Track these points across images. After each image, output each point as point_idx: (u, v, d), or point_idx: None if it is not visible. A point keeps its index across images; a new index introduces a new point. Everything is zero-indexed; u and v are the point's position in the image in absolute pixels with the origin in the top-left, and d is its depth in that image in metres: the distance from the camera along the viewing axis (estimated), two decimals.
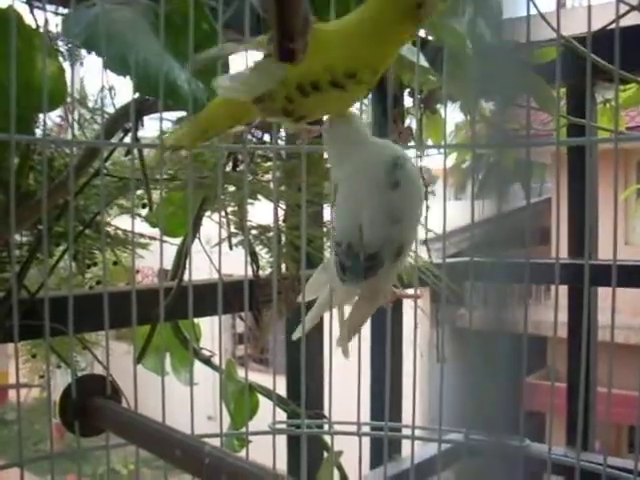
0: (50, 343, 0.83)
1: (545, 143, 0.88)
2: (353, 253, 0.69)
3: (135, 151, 0.91)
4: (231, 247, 1.06)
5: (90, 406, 0.76)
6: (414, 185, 0.69)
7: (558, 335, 0.82)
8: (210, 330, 1.29)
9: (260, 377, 1.21)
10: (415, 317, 0.91)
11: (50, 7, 0.89)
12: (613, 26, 0.85)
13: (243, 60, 0.81)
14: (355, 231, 0.69)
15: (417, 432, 0.88)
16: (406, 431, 0.90)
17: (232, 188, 1.06)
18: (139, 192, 1.02)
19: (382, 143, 0.71)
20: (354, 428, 0.86)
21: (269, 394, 1.10)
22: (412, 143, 1.10)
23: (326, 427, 0.91)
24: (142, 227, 1.08)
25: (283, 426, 0.92)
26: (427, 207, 1.21)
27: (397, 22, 0.61)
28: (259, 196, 1.07)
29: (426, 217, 1.17)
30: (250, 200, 1.05)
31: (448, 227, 0.85)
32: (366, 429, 0.90)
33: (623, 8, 0.99)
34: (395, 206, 0.68)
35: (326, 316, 0.84)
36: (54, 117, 1.09)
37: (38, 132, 0.83)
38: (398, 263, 0.71)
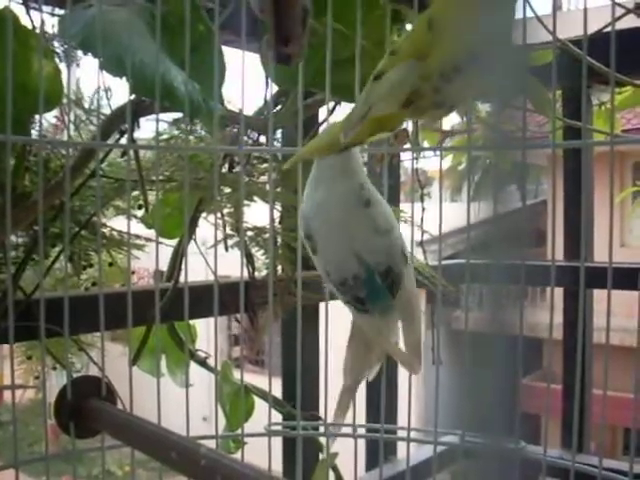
0: (45, 344, 0.83)
1: (541, 146, 0.88)
2: (361, 282, 0.70)
3: (131, 152, 0.90)
4: (227, 249, 1.06)
5: (85, 407, 0.76)
6: (380, 199, 0.73)
7: (555, 337, 0.82)
8: (206, 331, 1.29)
9: (256, 378, 1.21)
10: None
11: (46, 8, 0.89)
12: (609, 29, 0.86)
13: (240, 61, 0.82)
14: (353, 261, 0.69)
15: (413, 434, 0.88)
16: (402, 433, 0.90)
17: (228, 190, 1.06)
18: (135, 193, 1.01)
19: (350, 172, 0.72)
20: (350, 430, 0.86)
21: (265, 396, 1.10)
22: (408, 145, 1.10)
23: (322, 429, 0.91)
24: (138, 228, 1.08)
25: (279, 428, 0.92)
26: (423, 209, 1.21)
27: None
28: (255, 197, 1.07)
29: (422, 219, 1.17)
30: (246, 202, 1.05)
31: (444, 229, 0.85)
32: (362, 431, 0.89)
33: (619, 11, 0.99)
34: (376, 220, 0.71)
35: (321, 316, 0.84)
36: (50, 118, 1.09)
37: (34, 133, 0.82)
38: (409, 267, 0.72)
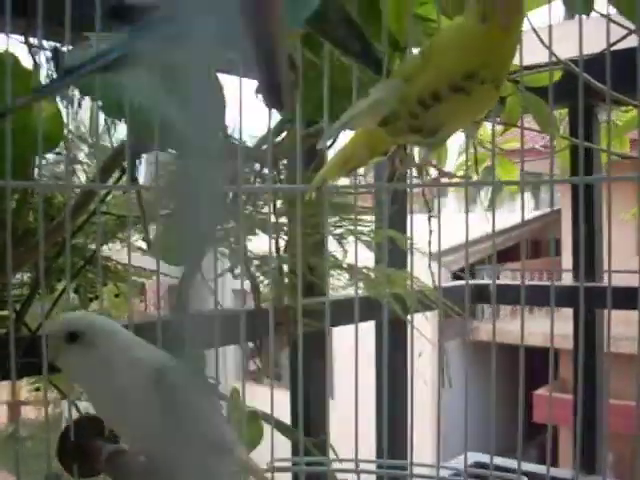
0: (50, 379, 0.83)
1: (540, 182, 0.88)
2: None
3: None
4: (234, 276, 1.06)
5: (88, 448, 0.75)
6: None
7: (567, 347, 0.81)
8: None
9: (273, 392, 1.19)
10: (411, 343, 0.90)
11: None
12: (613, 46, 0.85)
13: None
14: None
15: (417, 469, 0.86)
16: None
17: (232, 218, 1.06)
18: (140, 225, 1.02)
19: None
20: (352, 465, 0.85)
21: (275, 423, 1.10)
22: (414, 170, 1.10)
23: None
24: (145, 259, 1.09)
25: (282, 464, 0.90)
26: (430, 224, 1.21)
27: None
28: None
29: (431, 231, 1.16)
30: (249, 236, 1.05)
31: (456, 241, 0.85)
32: (365, 466, 0.88)
33: (619, 31, 0.98)
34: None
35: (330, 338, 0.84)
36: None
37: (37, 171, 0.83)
38: None
